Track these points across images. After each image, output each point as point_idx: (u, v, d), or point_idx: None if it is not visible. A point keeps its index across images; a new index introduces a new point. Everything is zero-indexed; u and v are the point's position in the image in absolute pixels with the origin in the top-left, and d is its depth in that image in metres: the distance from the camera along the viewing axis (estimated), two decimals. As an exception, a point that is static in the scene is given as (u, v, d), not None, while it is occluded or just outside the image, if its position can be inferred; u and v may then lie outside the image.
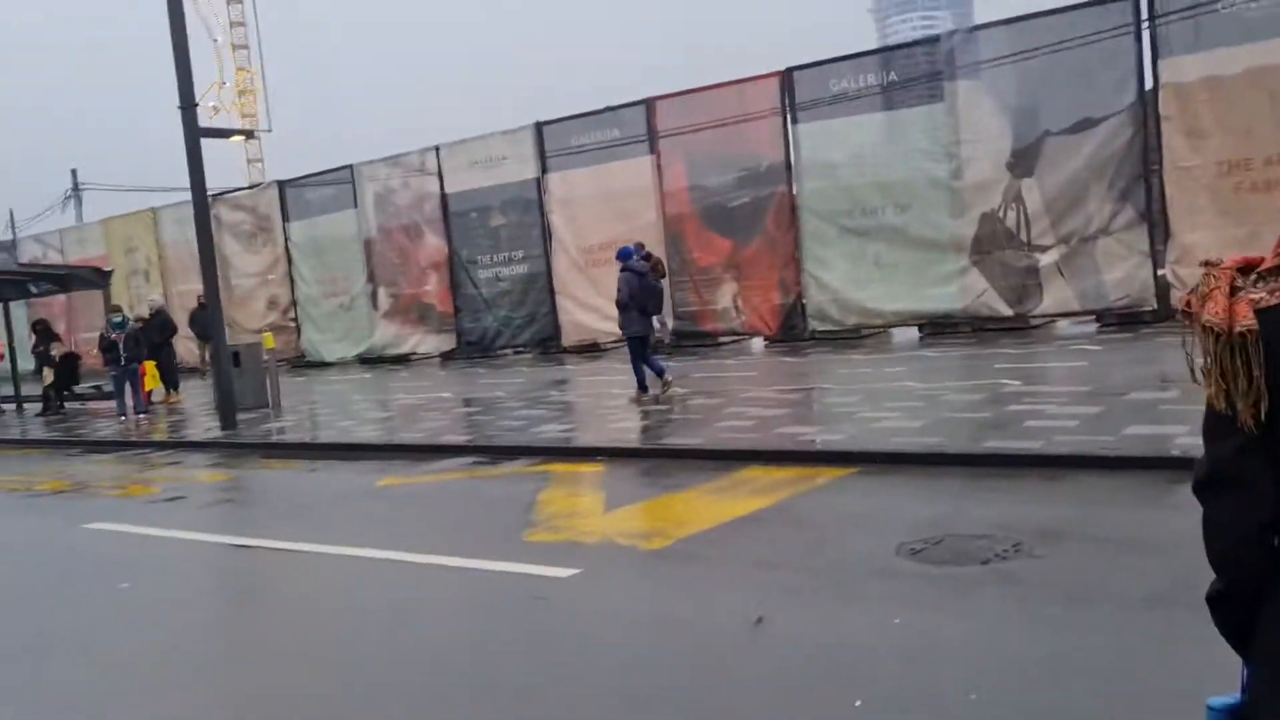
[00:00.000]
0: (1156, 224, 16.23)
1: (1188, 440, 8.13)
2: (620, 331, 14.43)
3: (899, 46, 18.22)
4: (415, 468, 11.20)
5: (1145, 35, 15.94)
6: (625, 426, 12.04)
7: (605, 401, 14.14)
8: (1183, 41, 15.53)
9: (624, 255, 14.06)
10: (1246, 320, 1.66)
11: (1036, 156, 16.99)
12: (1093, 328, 16.81)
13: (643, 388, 13.87)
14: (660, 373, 13.90)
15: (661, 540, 7.15)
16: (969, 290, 17.59)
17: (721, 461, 9.81)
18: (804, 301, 19.32)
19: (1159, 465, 7.83)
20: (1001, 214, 17.26)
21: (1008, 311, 17.35)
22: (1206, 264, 1.78)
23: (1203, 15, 15.31)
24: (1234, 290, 1.71)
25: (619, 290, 13.86)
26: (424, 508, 9.43)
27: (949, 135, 17.56)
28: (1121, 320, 16.46)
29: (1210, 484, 1.77)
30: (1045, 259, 16.94)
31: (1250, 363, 1.66)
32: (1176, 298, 15.81)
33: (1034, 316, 17.34)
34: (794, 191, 19.24)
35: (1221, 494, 1.75)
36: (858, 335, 18.88)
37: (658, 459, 10.25)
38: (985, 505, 7.43)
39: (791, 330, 19.48)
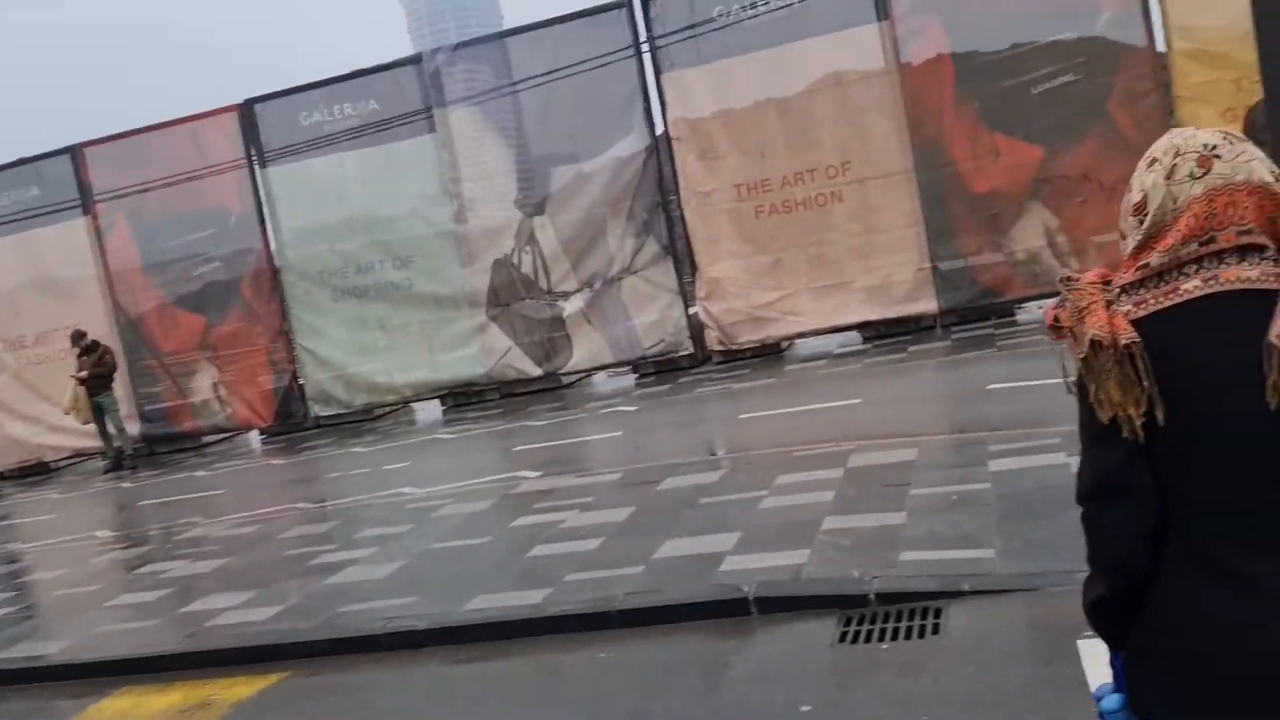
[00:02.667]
0: (682, 258, 14.58)
1: (742, 561, 5.73)
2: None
3: (374, 70, 15.34)
4: None
5: (647, 53, 14.26)
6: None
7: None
8: (685, 55, 13.97)
9: None
10: (1129, 333, 1.73)
11: (545, 191, 14.81)
12: (631, 380, 14.83)
13: None
14: None
15: None
16: (491, 350, 15.03)
17: (88, 682, 6.20)
18: (300, 382, 15.81)
19: (716, 612, 5.33)
20: (516, 259, 14.89)
21: (536, 371, 14.95)
22: (1066, 280, 1.81)
23: (702, 33, 13.78)
24: (1107, 304, 1.77)
25: None
26: None
27: (447, 172, 14.93)
28: (659, 369, 14.60)
29: (1099, 492, 1.81)
30: (570, 307, 14.74)
31: (1139, 373, 1.72)
32: (712, 337, 14.20)
33: (566, 374, 15.09)
34: (273, 250, 15.71)
35: (1111, 502, 1.79)
36: (372, 417, 15.68)
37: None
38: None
39: (290, 419, 15.89)
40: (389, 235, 15.22)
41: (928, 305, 13.62)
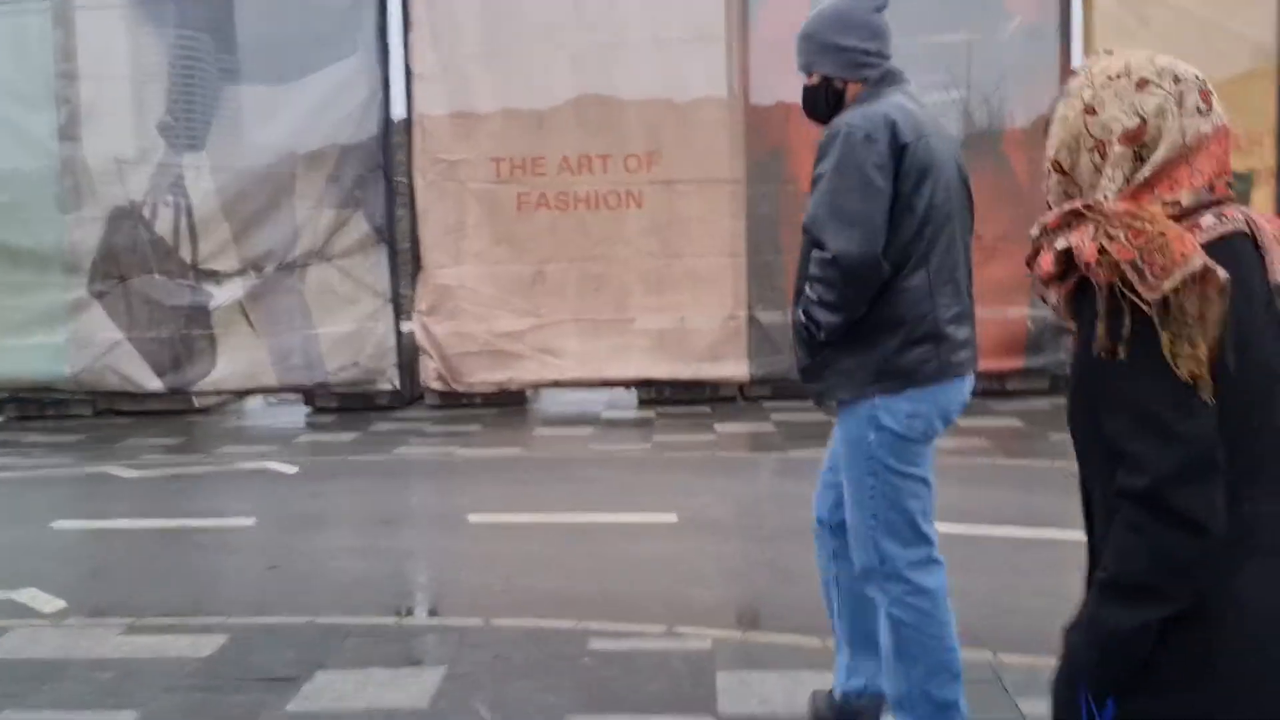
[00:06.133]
0: (403, 250, 10.19)
1: None
2: None
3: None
4: None
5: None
6: None
7: None
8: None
9: None
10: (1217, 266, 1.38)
11: (209, 117, 9.99)
12: (301, 415, 10.16)
13: None
14: None
15: None
16: (86, 342, 9.90)
17: None
18: None
19: None
20: (149, 213, 9.93)
21: (155, 383, 9.93)
22: (1091, 206, 1.45)
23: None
24: None
25: None
26: None
27: (57, 63, 9.80)
28: (345, 404, 10.04)
29: (1195, 472, 1.40)
30: (222, 295, 9.90)
31: (1223, 314, 1.39)
32: (429, 369, 9.87)
33: (200, 394, 10.18)
34: None
35: (1206, 482, 1.41)
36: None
37: None
38: None
39: None
40: (-55, 144, 9.84)
41: (735, 369, 9.89)
